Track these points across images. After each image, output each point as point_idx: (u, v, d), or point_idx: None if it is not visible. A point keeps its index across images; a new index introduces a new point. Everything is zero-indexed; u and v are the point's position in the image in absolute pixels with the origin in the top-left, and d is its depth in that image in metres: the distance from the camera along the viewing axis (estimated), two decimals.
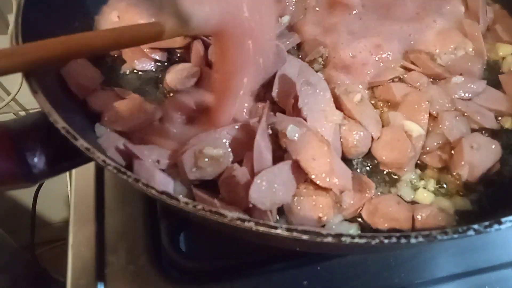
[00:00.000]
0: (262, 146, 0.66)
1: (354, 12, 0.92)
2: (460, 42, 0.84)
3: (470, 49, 0.85)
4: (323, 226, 0.65)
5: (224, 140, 0.67)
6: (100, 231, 0.81)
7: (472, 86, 0.78)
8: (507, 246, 0.78)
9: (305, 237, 0.47)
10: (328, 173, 0.63)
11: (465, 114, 0.76)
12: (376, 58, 0.84)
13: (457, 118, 0.74)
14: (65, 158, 0.61)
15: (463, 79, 0.79)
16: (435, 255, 0.77)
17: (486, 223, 0.49)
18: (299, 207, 0.63)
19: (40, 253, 1.69)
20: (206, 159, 0.64)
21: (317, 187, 0.64)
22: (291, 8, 0.92)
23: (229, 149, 0.67)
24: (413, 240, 0.48)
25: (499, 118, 0.79)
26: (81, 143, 0.55)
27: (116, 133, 0.71)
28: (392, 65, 0.84)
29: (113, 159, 0.66)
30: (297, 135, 0.65)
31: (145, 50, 0.86)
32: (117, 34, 0.75)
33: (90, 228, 0.81)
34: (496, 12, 0.94)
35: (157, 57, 0.87)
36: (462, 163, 0.69)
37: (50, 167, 0.60)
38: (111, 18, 0.91)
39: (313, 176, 0.63)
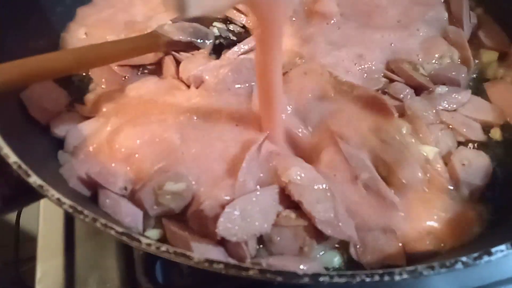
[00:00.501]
0: (247, 175, 0.62)
1: (332, 21, 0.88)
2: (445, 51, 0.81)
3: (456, 57, 0.82)
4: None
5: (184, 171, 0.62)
6: (69, 262, 0.75)
7: (456, 96, 0.75)
8: (500, 264, 0.75)
9: (279, 278, 0.43)
10: (332, 220, 0.59)
11: (451, 126, 0.72)
12: (359, 68, 0.80)
13: (443, 131, 0.71)
14: (21, 193, 0.56)
15: (447, 89, 0.76)
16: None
17: (475, 254, 0.45)
18: (278, 238, 0.59)
19: (24, 271, 1.63)
20: (168, 196, 0.60)
21: (299, 214, 0.60)
22: None
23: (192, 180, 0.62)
24: (397, 277, 0.44)
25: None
26: (34, 179, 0.51)
27: (83, 158, 0.67)
28: (376, 76, 0.80)
29: (76, 190, 0.62)
30: (299, 178, 0.60)
31: (114, 68, 0.81)
32: (105, 48, 0.73)
33: (58, 259, 0.75)
34: (480, 17, 0.91)
35: (127, 75, 0.82)
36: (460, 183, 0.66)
37: (5, 205, 0.55)
38: (78, 35, 0.87)
39: (317, 221, 0.58)
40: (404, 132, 0.67)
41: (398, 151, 0.64)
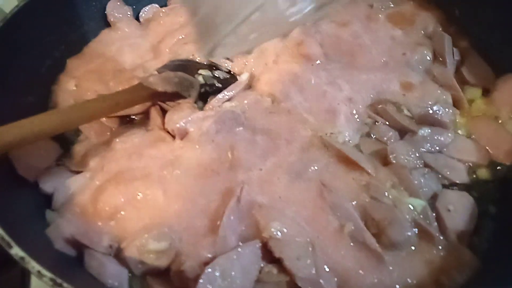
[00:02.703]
0: (228, 230, 0.63)
1: (318, 62, 0.89)
2: (439, 97, 0.81)
3: (450, 101, 0.82)
4: None
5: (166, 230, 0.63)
6: None
7: (439, 138, 0.76)
8: None
9: None
10: (313, 276, 0.59)
11: (435, 169, 0.72)
12: (349, 111, 0.80)
13: (426, 175, 0.71)
14: (4, 261, 0.57)
15: (429, 131, 0.76)
16: None
17: None
18: None
19: None
20: (152, 255, 0.61)
21: (281, 269, 0.60)
22: (251, 63, 0.89)
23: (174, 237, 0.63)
24: None
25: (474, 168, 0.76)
26: (16, 251, 0.52)
27: (69, 217, 0.68)
28: (362, 118, 0.80)
29: (62, 252, 0.63)
30: (279, 233, 0.61)
31: (102, 119, 0.82)
32: (112, 101, 0.74)
33: None
34: (464, 51, 0.92)
35: (115, 125, 0.83)
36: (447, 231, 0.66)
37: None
38: (68, 87, 0.89)
39: (297, 278, 0.58)
40: (389, 186, 0.67)
41: (387, 209, 0.64)
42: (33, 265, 0.51)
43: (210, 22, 0.55)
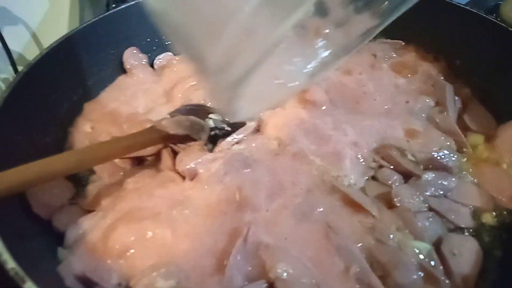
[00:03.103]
0: (235, 269, 0.64)
1: (323, 108, 0.93)
2: (443, 143, 0.83)
3: (454, 147, 0.84)
4: None
5: (174, 268, 0.64)
6: None
7: (443, 182, 0.77)
8: None
9: None
10: None
11: (440, 213, 0.73)
12: (354, 155, 0.82)
13: (431, 219, 0.72)
14: None
15: (434, 175, 0.78)
16: None
17: None
18: None
19: None
20: None
21: None
22: None
23: (182, 276, 0.64)
24: None
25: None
26: (29, 286, 0.53)
27: (80, 255, 0.69)
28: (367, 162, 0.82)
29: None
30: (285, 274, 0.62)
31: (115, 161, 0.85)
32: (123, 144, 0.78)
33: None
34: (465, 99, 0.95)
35: (127, 166, 0.86)
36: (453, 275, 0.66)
37: None
38: (85, 129, 0.93)
39: None
40: (394, 229, 0.68)
41: (393, 252, 0.65)
42: None
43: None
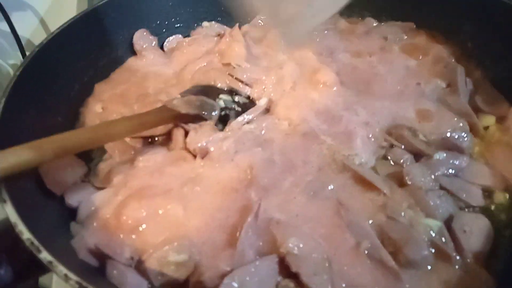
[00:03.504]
0: (246, 244, 0.64)
1: (334, 89, 0.92)
2: (454, 124, 0.82)
3: (467, 128, 0.83)
4: None
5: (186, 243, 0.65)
6: None
7: (454, 162, 0.77)
8: None
9: None
10: None
11: (451, 192, 0.73)
12: (369, 136, 0.82)
13: (442, 197, 0.72)
14: (32, 269, 0.59)
15: (445, 155, 0.77)
16: None
17: None
18: None
19: None
20: (172, 266, 0.62)
21: (298, 284, 0.61)
22: (269, 89, 0.92)
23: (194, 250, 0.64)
24: None
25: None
26: (45, 255, 0.54)
27: (93, 229, 0.70)
28: (379, 142, 0.82)
29: (86, 261, 0.65)
30: (296, 249, 0.63)
31: (126, 139, 0.86)
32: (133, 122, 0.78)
33: None
34: (476, 81, 0.94)
35: (138, 145, 0.86)
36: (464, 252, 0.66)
37: (17, 280, 0.58)
38: (95, 110, 0.93)
39: None
40: (405, 206, 0.68)
41: (404, 229, 0.65)
42: (61, 269, 0.53)
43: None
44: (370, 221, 0.68)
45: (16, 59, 1.29)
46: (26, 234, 0.56)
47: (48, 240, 0.58)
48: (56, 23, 0.93)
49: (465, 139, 0.80)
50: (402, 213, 0.68)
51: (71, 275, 0.52)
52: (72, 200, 0.75)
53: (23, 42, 1.24)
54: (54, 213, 0.72)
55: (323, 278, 0.60)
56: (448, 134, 0.81)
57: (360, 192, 0.72)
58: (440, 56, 1.00)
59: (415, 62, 0.99)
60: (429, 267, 0.64)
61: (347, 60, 1.01)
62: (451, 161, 0.77)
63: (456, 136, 0.80)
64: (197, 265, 0.64)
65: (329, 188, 0.72)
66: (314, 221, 0.68)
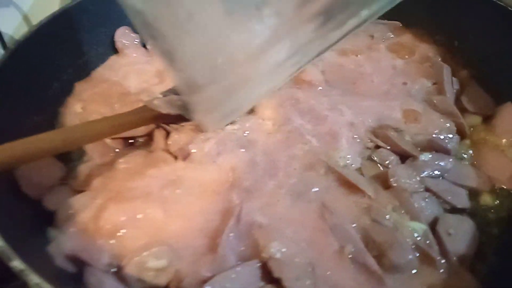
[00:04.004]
0: (227, 249, 0.63)
1: (319, 88, 0.91)
2: (441, 125, 0.81)
3: (454, 128, 0.82)
4: None
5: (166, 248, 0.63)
6: None
7: (440, 163, 0.76)
8: None
9: None
10: None
11: (436, 194, 0.72)
12: (354, 136, 0.81)
13: (427, 199, 0.71)
14: (6, 276, 0.57)
15: (430, 156, 0.77)
16: None
17: None
18: None
19: None
20: (151, 272, 0.60)
21: None
22: None
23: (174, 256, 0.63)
24: None
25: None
26: (16, 264, 0.52)
27: (70, 234, 0.68)
28: (364, 143, 0.81)
29: (63, 268, 0.63)
30: (279, 253, 0.61)
31: (106, 140, 0.84)
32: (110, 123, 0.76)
33: None
34: (463, 81, 0.94)
35: (119, 146, 0.84)
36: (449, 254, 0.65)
37: None
38: (75, 110, 0.91)
39: None
40: (390, 209, 0.67)
41: (388, 232, 0.64)
42: (32, 278, 0.51)
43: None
44: (354, 225, 0.67)
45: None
46: None
47: (23, 247, 0.56)
48: (39, 19, 0.90)
49: (451, 140, 0.79)
50: (387, 216, 0.67)
51: (45, 284, 0.50)
52: (49, 203, 0.73)
53: (6, 39, 1.20)
54: (30, 218, 0.70)
55: (305, 283, 0.59)
56: (434, 135, 0.80)
57: (345, 194, 0.71)
58: (427, 56, 1.00)
59: (402, 61, 0.99)
60: (413, 271, 0.63)
61: (333, 58, 1.00)
62: (436, 163, 0.76)
63: (442, 137, 0.79)
64: (177, 271, 0.62)
65: (313, 190, 0.71)
66: (298, 224, 0.67)
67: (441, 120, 0.83)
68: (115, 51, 1.05)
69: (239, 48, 0.51)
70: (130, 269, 0.62)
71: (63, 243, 0.65)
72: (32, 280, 0.50)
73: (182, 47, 0.53)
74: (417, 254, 0.64)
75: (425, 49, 1.02)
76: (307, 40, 0.55)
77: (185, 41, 0.52)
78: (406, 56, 1.00)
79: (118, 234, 0.66)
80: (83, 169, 0.80)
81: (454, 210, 0.73)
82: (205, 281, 0.59)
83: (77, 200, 0.73)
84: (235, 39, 0.51)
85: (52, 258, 0.63)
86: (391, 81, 0.93)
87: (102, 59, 1.03)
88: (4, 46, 1.18)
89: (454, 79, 0.93)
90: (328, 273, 0.62)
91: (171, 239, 0.65)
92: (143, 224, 0.67)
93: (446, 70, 0.92)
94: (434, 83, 0.92)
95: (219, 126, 0.75)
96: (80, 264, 0.64)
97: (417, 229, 0.66)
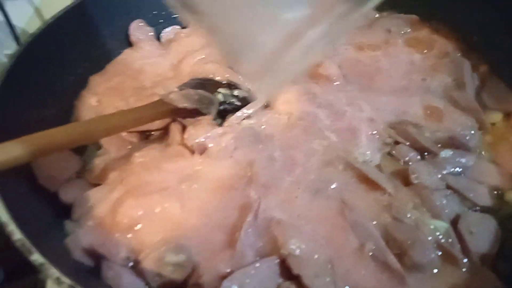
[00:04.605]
0: (246, 245, 0.62)
1: (336, 83, 0.90)
2: (462, 121, 0.79)
3: (476, 126, 0.80)
4: None
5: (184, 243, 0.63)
6: None
7: (461, 160, 0.74)
8: None
9: None
10: None
11: (458, 191, 0.71)
12: (373, 132, 0.80)
13: (448, 197, 0.69)
14: (25, 269, 0.57)
15: (451, 153, 0.75)
16: None
17: None
18: None
19: None
20: (169, 267, 0.60)
21: (299, 286, 0.59)
22: None
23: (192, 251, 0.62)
24: None
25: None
26: (36, 257, 0.52)
27: (88, 228, 0.68)
28: (383, 138, 0.80)
29: (80, 262, 0.63)
30: (298, 250, 0.60)
31: (122, 134, 0.83)
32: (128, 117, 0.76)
33: None
34: (483, 76, 0.92)
35: (134, 140, 0.84)
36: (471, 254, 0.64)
37: (9, 280, 0.56)
38: (90, 103, 0.90)
39: None
40: (411, 207, 0.66)
41: (410, 230, 0.63)
42: (53, 272, 0.50)
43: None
44: (374, 222, 0.65)
45: (12, 49, 1.24)
46: (17, 235, 0.53)
47: (41, 240, 0.56)
48: (51, 12, 0.89)
49: (473, 136, 0.78)
50: (408, 214, 0.65)
51: (64, 278, 0.50)
52: (66, 196, 0.73)
53: (18, 32, 1.20)
54: (47, 211, 0.70)
55: (325, 281, 0.58)
56: (455, 132, 0.78)
57: (364, 191, 0.69)
58: (445, 50, 0.97)
59: (420, 56, 0.97)
60: (435, 270, 0.62)
61: (349, 53, 0.98)
62: (457, 159, 0.74)
63: (463, 134, 0.78)
64: (195, 266, 0.61)
65: (332, 187, 0.70)
66: (316, 221, 0.66)
67: (462, 116, 0.81)
68: (129, 44, 1.04)
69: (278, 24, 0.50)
70: (148, 264, 0.61)
71: (81, 237, 0.65)
72: (53, 274, 0.50)
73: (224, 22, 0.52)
74: (439, 253, 0.62)
75: (444, 44, 0.99)
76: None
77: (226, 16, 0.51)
78: (425, 51, 0.98)
79: (135, 228, 0.66)
80: (99, 162, 0.80)
81: (475, 208, 0.71)
82: (223, 276, 0.58)
83: (94, 194, 0.73)
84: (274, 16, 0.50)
85: (70, 251, 0.63)
86: (409, 76, 0.91)
87: (116, 52, 1.02)
88: (17, 40, 1.18)
89: (474, 74, 0.90)
90: (348, 271, 0.61)
91: (188, 234, 0.65)
92: (160, 218, 0.66)
93: (467, 65, 0.90)
94: (454, 79, 0.90)
95: (269, 94, 0.74)
96: (97, 258, 0.64)
97: (439, 227, 0.64)
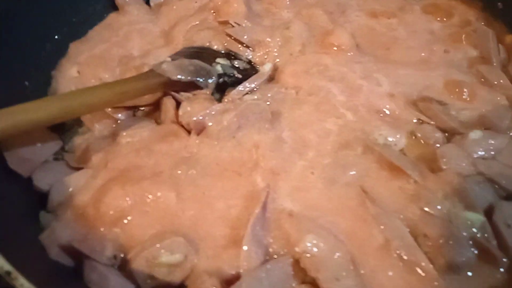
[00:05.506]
0: (253, 242, 0.54)
1: (349, 54, 0.80)
2: (492, 100, 0.71)
3: (504, 102, 0.72)
4: None
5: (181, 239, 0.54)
6: None
7: (492, 142, 0.67)
8: None
9: None
10: None
11: (490, 178, 0.63)
12: (390, 108, 0.71)
13: (481, 185, 0.61)
14: None
15: (482, 134, 0.67)
16: None
17: None
18: None
19: None
20: (163, 268, 0.52)
21: None
22: (274, 53, 0.79)
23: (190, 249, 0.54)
24: None
25: None
26: (1, 264, 0.42)
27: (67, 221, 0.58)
28: (405, 116, 0.71)
29: (58, 262, 0.54)
30: (315, 249, 0.52)
31: (107, 110, 0.73)
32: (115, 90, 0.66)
33: None
34: (509, 48, 0.83)
35: (121, 117, 0.74)
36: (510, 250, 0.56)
37: None
38: (70, 73, 0.82)
39: None
40: (441, 196, 0.57)
41: (442, 225, 0.55)
42: (21, 282, 0.41)
43: None
44: (401, 215, 0.57)
45: None
46: None
47: (9, 238, 0.48)
48: None
49: (504, 115, 0.69)
50: (438, 205, 0.57)
51: None
52: (41, 182, 0.64)
53: None
54: (19, 201, 0.61)
55: (347, 284, 0.50)
56: (484, 110, 0.69)
57: (387, 178, 0.61)
58: (467, 19, 0.89)
59: (439, 25, 0.88)
60: (471, 271, 0.54)
61: (362, 20, 0.89)
62: (488, 141, 0.66)
63: (494, 113, 0.69)
64: (195, 268, 0.53)
65: (351, 173, 0.61)
66: (334, 213, 0.58)
67: (490, 93, 0.72)
68: (114, 8, 0.94)
69: None
70: (139, 264, 0.53)
71: (58, 231, 0.57)
72: (21, 286, 0.42)
73: None
74: (476, 251, 0.54)
75: (464, 12, 0.91)
76: None
77: None
78: (444, 19, 0.89)
79: (124, 221, 0.58)
80: (80, 142, 0.72)
81: (509, 196, 0.63)
82: (229, 280, 0.50)
83: (74, 179, 0.64)
84: None
85: (46, 249, 0.54)
86: (430, 47, 0.83)
87: (100, 17, 0.92)
88: None
89: (500, 46, 0.82)
90: (372, 272, 0.53)
91: (186, 228, 0.57)
92: (153, 209, 0.58)
93: (492, 36, 0.82)
94: (479, 51, 0.81)
95: None
96: (78, 257, 0.56)
97: (475, 220, 0.56)
